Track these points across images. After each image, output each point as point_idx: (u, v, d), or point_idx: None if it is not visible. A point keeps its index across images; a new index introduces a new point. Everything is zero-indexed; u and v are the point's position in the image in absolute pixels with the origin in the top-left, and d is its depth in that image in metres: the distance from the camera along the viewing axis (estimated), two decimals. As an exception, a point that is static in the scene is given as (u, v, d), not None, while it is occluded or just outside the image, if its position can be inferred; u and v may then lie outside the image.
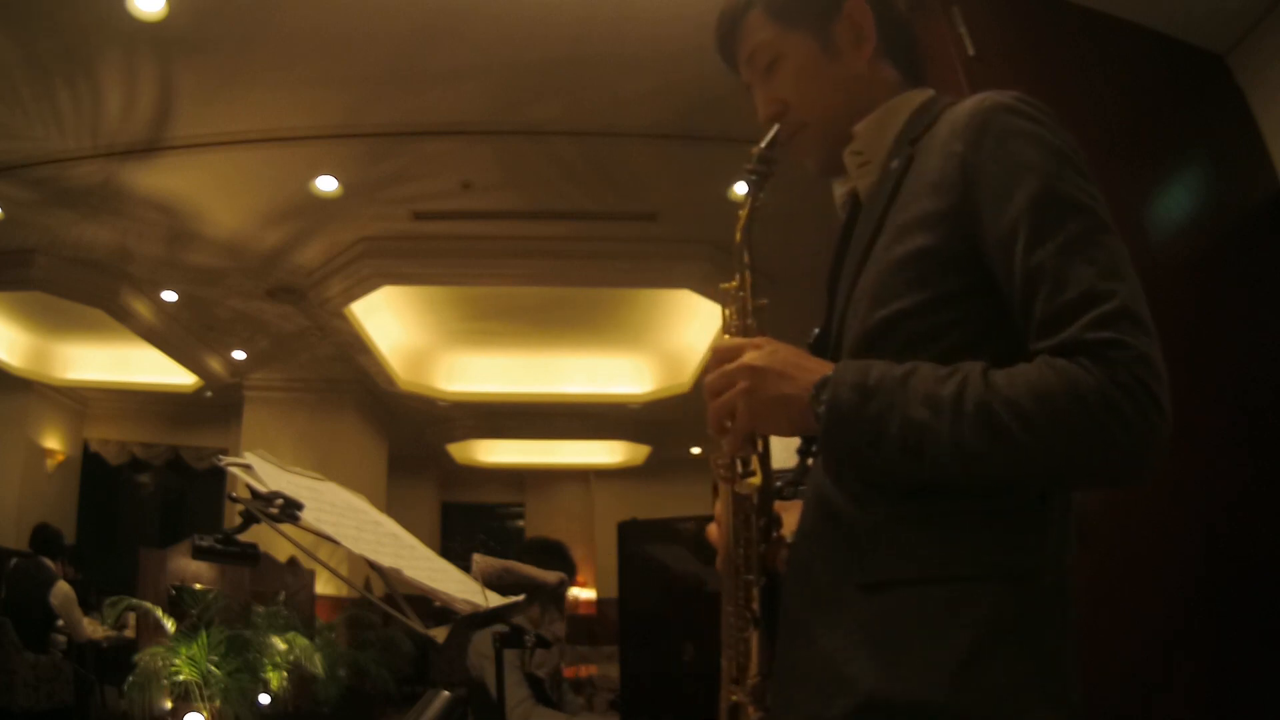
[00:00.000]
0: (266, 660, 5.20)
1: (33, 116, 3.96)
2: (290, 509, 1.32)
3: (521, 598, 1.81)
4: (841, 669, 0.84)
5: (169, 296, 6.23)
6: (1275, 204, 2.28)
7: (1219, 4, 2.29)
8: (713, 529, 1.01)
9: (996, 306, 0.87)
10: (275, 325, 6.71)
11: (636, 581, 4.79)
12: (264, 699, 5.12)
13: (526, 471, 11.46)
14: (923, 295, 0.89)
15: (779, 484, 1.02)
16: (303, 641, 5.51)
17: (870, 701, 0.82)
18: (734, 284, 1.01)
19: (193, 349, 7.14)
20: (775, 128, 1.04)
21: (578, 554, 4.26)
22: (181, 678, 4.61)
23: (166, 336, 6.74)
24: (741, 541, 0.95)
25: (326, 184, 4.60)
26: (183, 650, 4.68)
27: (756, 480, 0.96)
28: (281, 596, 6.07)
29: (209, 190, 4.70)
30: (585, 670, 6.92)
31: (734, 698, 0.94)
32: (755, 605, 0.94)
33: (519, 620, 2.27)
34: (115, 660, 5.53)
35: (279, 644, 5.32)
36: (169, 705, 4.69)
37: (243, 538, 1.35)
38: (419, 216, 5.04)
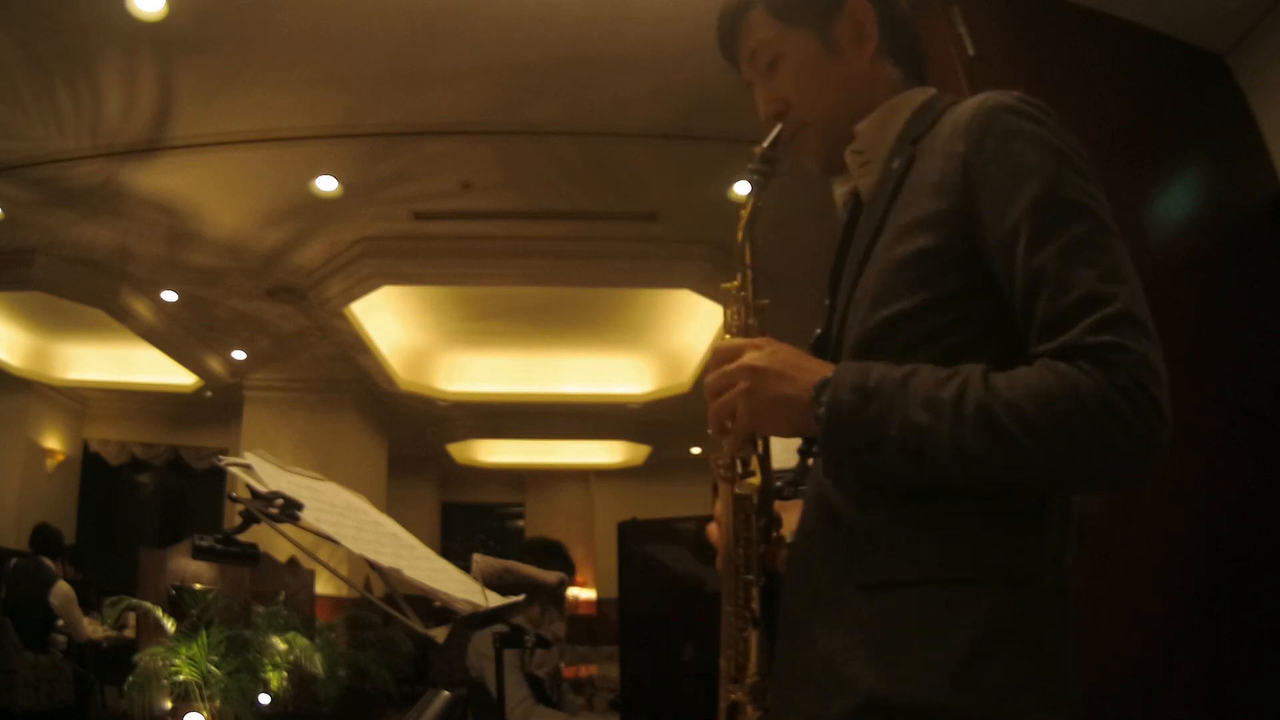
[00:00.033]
0: (266, 660, 5.20)
1: (33, 116, 3.96)
2: (290, 509, 1.32)
3: (521, 598, 1.81)
4: (841, 669, 0.84)
5: (169, 296, 6.24)
6: (1275, 204, 2.28)
7: (1219, 4, 2.29)
8: (713, 529, 1.01)
9: (998, 307, 0.87)
10: (275, 325, 6.71)
11: (636, 581, 4.79)
12: (264, 699, 5.12)
13: (526, 471, 11.46)
14: (924, 296, 0.88)
15: (779, 484, 1.02)
16: (303, 641, 5.51)
17: (870, 702, 0.82)
18: (735, 284, 1.01)
19: (193, 349, 7.14)
20: (778, 127, 1.03)
21: (578, 554, 4.26)
22: (181, 678, 4.61)
23: (166, 336, 6.74)
24: (741, 541, 0.95)
25: (326, 184, 4.60)
26: (183, 650, 4.68)
27: (756, 480, 0.95)
28: (281, 596, 6.07)
29: (209, 190, 4.70)
30: (585, 670, 6.93)
31: (733, 697, 0.94)
32: (755, 605, 0.94)
33: (519, 620, 2.27)
34: (115, 660, 5.53)
35: (279, 644, 5.32)
36: (169, 705, 4.69)
37: (243, 538, 1.35)
38: (419, 216, 5.04)
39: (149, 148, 4.22)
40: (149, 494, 9.71)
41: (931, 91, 1.04)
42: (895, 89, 1.04)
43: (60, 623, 5.03)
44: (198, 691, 4.64)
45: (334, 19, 3.32)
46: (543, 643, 2.02)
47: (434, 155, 4.36)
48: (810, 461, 1.01)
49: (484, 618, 1.60)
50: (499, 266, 5.54)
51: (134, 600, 5.59)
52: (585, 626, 9.39)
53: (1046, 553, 0.86)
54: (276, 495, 1.32)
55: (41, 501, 7.63)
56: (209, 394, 8.17)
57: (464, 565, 1.87)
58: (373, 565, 1.42)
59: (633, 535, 4.94)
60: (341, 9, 3.27)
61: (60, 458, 8.19)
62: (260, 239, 5.26)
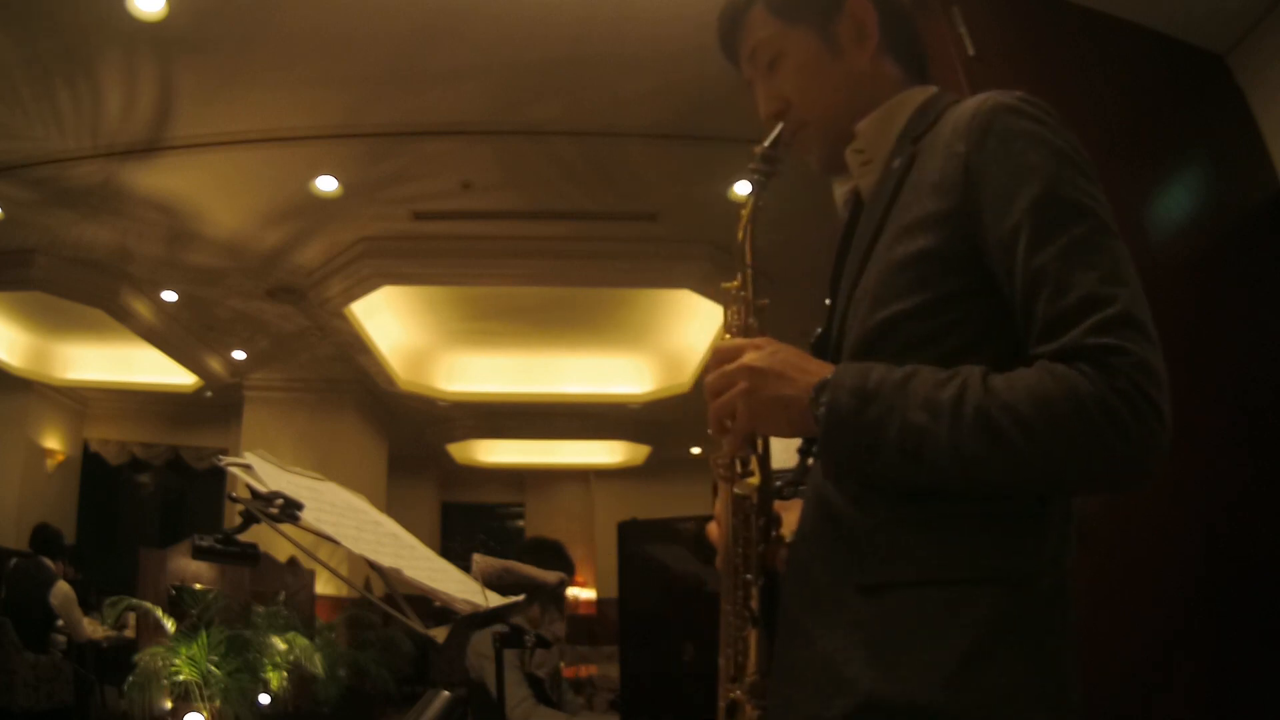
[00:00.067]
0: (266, 660, 5.20)
1: (33, 116, 3.97)
2: (290, 509, 1.32)
3: (521, 598, 1.81)
4: (840, 670, 0.84)
5: (169, 296, 6.24)
6: (1275, 204, 2.28)
7: (1219, 4, 2.29)
8: (712, 528, 1.01)
9: (998, 308, 0.87)
10: (275, 325, 6.71)
11: (636, 581, 4.78)
12: (264, 699, 5.12)
13: (526, 471, 11.46)
14: (924, 296, 0.88)
15: (779, 484, 1.02)
16: (303, 641, 5.51)
17: (869, 702, 0.82)
18: (735, 283, 1.01)
19: (193, 349, 7.15)
20: (778, 126, 1.03)
21: (578, 554, 4.26)
22: (181, 678, 4.61)
23: (166, 336, 6.74)
24: (741, 541, 0.95)
25: (326, 184, 4.60)
26: (183, 650, 4.68)
27: (756, 480, 0.95)
28: (281, 596, 6.07)
29: (209, 190, 4.70)
30: (585, 670, 6.92)
31: (732, 695, 0.94)
32: (754, 604, 0.94)
33: (519, 620, 2.27)
34: (115, 660, 5.53)
35: (279, 644, 5.32)
36: (169, 705, 4.69)
37: (243, 538, 1.35)
38: (419, 216, 5.04)
39: (149, 148, 4.22)
40: (149, 494, 9.71)
41: (933, 90, 1.04)
42: (896, 87, 1.04)
43: (60, 623, 5.03)
44: (198, 691, 4.64)
45: (334, 19, 3.32)
46: (543, 643, 2.02)
47: (434, 155, 4.36)
48: (810, 461, 1.01)
49: (484, 618, 1.60)
50: (499, 266, 5.54)
51: (134, 600, 5.59)
52: (585, 626, 9.39)
53: (1045, 554, 0.86)
54: (276, 495, 1.32)
55: (41, 501, 7.63)
56: (209, 394, 8.17)
57: (464, 565, 1.87)
58: (373, 565, 1.42)
59: (633, 535, 4.93)
60: (341, 9, 3.27)
61: (60, 458, 8.19)
62: (260, 239, 5.26)
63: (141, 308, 6.24)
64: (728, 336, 1.00)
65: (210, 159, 4.33)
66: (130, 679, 4.61)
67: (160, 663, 4.62)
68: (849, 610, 0.86)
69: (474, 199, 4.81)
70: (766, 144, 1.02)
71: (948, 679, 0.80)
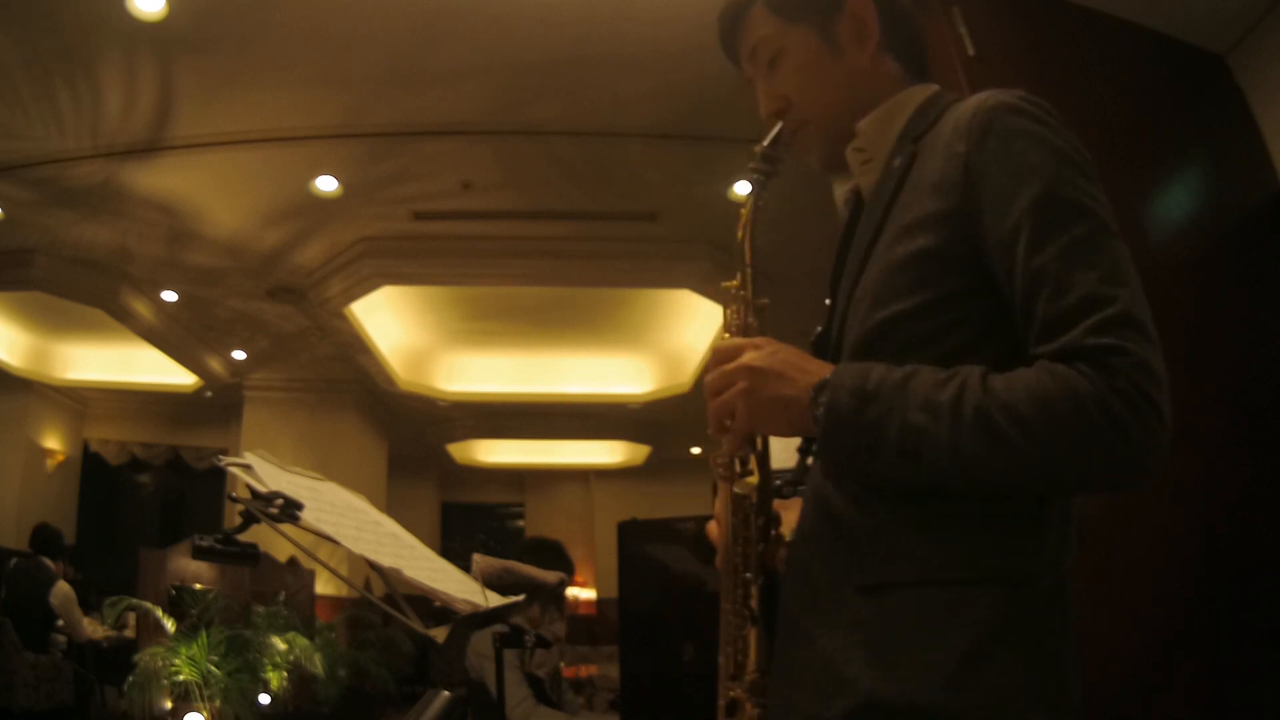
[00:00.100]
0: (266, 660, 5.20)
1: (33, 116, 3.97)
2: (290, 509, 1.32)
3: (521, 598, 1.81)
4: (840, 670, 0.84)
5: (169, 296, 6.24)
6: (1275, 204, 2.28)
7: (1219, 4, 2.29)
8: (712, 527, 1.01)
9: (998, 308, 0.87)
10: (275, 325, 6.71)
11: (636, 581, 4.78)
12: (264, 699, 5.12)
13: (526, 471, 11.46)
14: (924, 296, 0.88)
15: (778, 483, 1.02)
16: (303, 641, 5.51)
17: (869, 702, 0.82)
18: (735, 283, 1.01)
19: (193, 349, 7.15)
20: (778, 125, 1.03)
21: (578, 554, 4.26)
22: (181, 678, 4.61)
23: (166, 336, 6.74)
24: (740, 540, 0.95)
25: (326, 184, 4.60)
26: (183, 650, 4.68)
27: (755, 479, 0.96)
28: (281, 596, 6.07)
29: (209, 190, 4.70)
30: (585, 670, 6.92)
31: (732, 694, 0.94)
32: (754, 603, 0.94)
33: (519, 620, 2.27)
34: (115, 660, 5.53)
35: (279, 644, 5.32)
36: (169, 705, 4.69)
37: (243, 538, 1.35)
38: (419, 216, 5.04)
39: (149, 148, 4.22)
40: (149, 494, 9.71)
41: (934, 88, 1.03)
42: (897, 85, 1.03)
43: (60, 623, 5.03)
44: (198, 691, 4.64)
45: (334, 19, 3.32)
46: (543, 643, 2.02)
47: (434, 155, 4.36)
48: (809, 461, 1.01)
49: (484, 618, 1.60)
50: (499, 266, 5.54)
51: (134, 600, 5.59)
52: (585, 626, 9.38)
53: (1045, 554, 0.86)
54: (276, 495, 1.32)
55: (41, 501, 7.63)
56: (209, 394, 8.17)
57: (464, 565, 1.87)
58: (373, 565, 1.42)
59: (633, 535, 4.93)
60: (341, 9, 3.28)
61: (60, 458, 8.19)
62: (260, 239, 5.26)
63: (141, 308, 6.24)
64: (727, 336, 1.00)
65: (210, 159, 4.33)
66: (130, 679, 4.61)
67: (160, 663, 4.62)
68: (849, 610, 0.86)
69: (474, 199, 4.81)
70: (766, 143, 1.01)
71: (947, 679, 0.80)
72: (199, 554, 1.33)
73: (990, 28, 2.08)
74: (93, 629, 5.46)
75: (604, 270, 5.64)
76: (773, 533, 0.97)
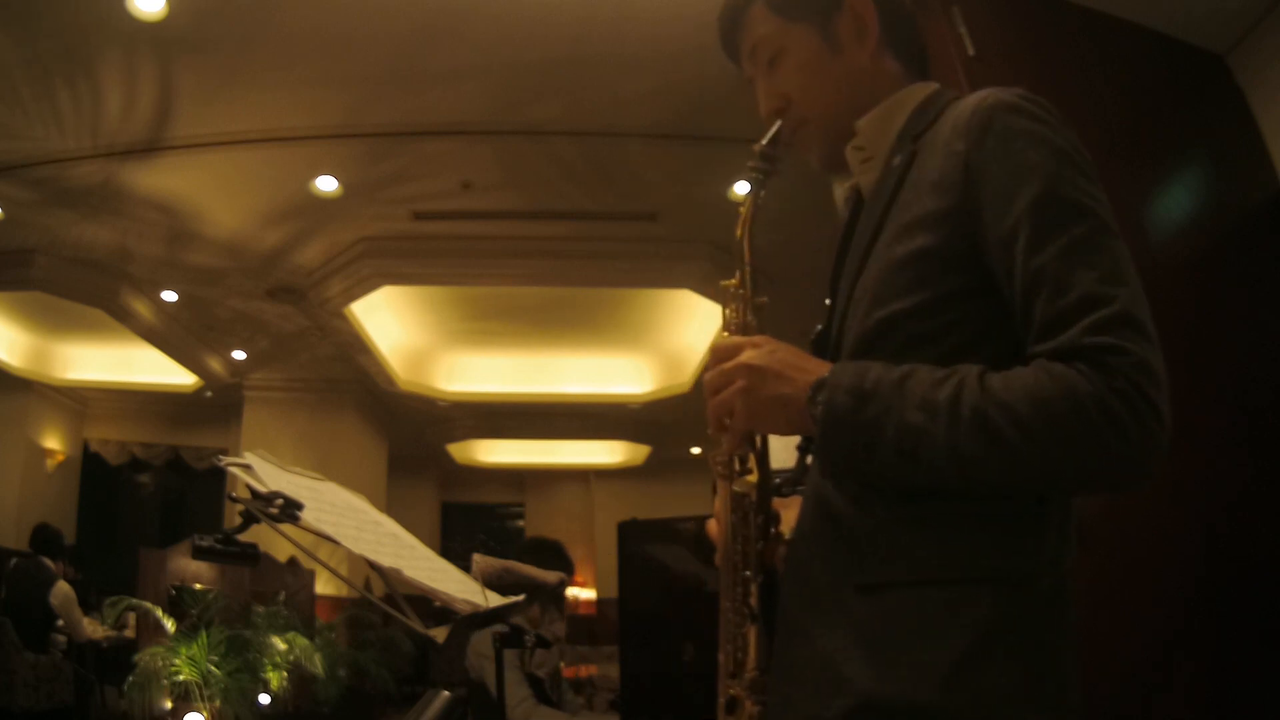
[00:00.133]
0: (266, 660, 5.20)
1: (33, 116, 3.97)
2: (290, 509, 1.32)
3: (521, 598, 1.81)
4: (840, 669, 0.84)
5: (169, 296, 6.24)
6: (1275, 204, 2.28)
7: (1219, 4, 2.29)
8: (712, 525, 1.01)
9: (997, 307, 0.87)
10: (275, 325, 6.71)
11: (636, 581, 4.78)
12: (264, 699, 5.12)
13: (526, 471, 11.46)
14: (923, 295, 0.88)
15: (778, 481, 1.02)
16: (303, 641, 5.51)
17: (868, 702, 0.82)
18: (734, 281, 1.01)
19: (193, 349, 7.15)
20: (777, 124, 1.03)
21: (578, 554, 4.26)
22: (181, 678, 4.61)
23: (166, 336, 6.74)
24: (739, 538, 0.95)
25: (326, 184, 4.60)
26: (183, 650, 4.68)
27: (754, 478, 0.96)
28: (281, 596, 6.07)
29: (209, 190, 4.70)
30: (585, 670, 6.92)
31: (731, 691, 0.94)
32: (753, 601, 0.94)
33: (519, 620, 2.27)
34: (115, 660, 5.53)
35: (279, 644, 5.32)
36: (169, 705, 4.69)
37: (243, 538, 1.35)
38: (419, 216, 5.04)
39: (149, 148, 4.22)
40: (149, 494, 9.71)
41: (934, 87, 1.03)
42: (897, 84, 1.03)
43: (60, 623, 5.03)
44: (198, 691, 4.64)
45: (334, 19, 3.32)
46: (543, 643, 2.02)
47: (434, 155, 4.36)
48: (809, 460, 1.01)
49: (484, 618, 1.60)
50: (499, 266, 5.54)
51: (134, 600, 5.59)
52: (585, 626, 9.39)
53: (1045, 554, 0.85)
54: (276, 495, 1.32)
55: (41, 501, 7.63)
56: (209, 394, 8.17)
57: (464, 565, 1.87)
58: (373, 565, 1.42)
59: (633, 535, 4.93)
60: (341, 9, 3.28)
61: (60, 458, 8.19)
62: (260, 239, 5.26)
63: (141, 308, 6.24)
64: (726, 334, 0.99)
65: (210, 159, 4.33)
66: (130, 679, 4.61)
67: (160, 663, 4.62)
68: (848, 610, 0.86)
69: (474, 199, 4.81)
70: (765, 141, 1.01)
71: (946, 679, 0.80)
72: (199, 554, 1.33)
73: (990, 28, 2.08)
74: (93, 629, 5.46)
75: (604, 270, 5.64)
76: (772, 531, 0.97)
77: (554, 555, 2.99)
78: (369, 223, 5.14)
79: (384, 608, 1.50)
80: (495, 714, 2.11)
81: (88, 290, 5.89)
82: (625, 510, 6.11)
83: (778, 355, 0.90)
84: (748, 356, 0.90)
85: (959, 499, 0.84)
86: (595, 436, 9.48)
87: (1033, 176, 0.84)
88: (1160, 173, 2.20)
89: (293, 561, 6.48)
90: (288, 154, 4.29)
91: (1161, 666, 1.78)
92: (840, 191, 1.11)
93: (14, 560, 5.36)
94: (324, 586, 7.07)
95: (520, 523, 11.98)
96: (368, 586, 5.19)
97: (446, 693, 1.42)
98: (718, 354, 0.93)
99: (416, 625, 1.41)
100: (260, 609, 5.65)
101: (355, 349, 6.77)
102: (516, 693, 2.61)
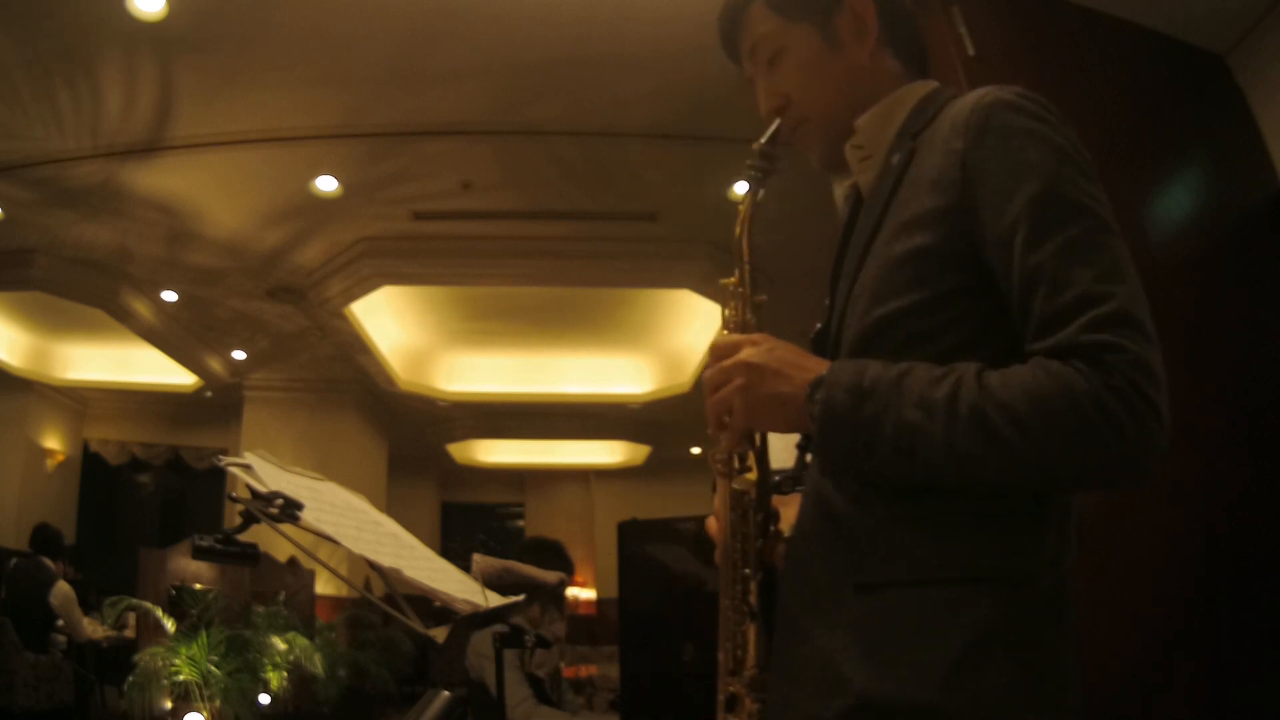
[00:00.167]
0: (266, 660, 5.20)
1: (33, 116, 3.97)
2: (290, 509, 1.32)
3: (521, 598, 1.81)
4: (839, 668, 0.84)
5: (169, 296, 6.24)
6: (1275, 204, 2.28)
7: (1219, 4, 2.29)
8: (711, 523, 1.01)
9: (996, 305, 0.87)
10: (275, 325, 6.71)
11: (636, 581, 4.79)
12: (264, 699, 5.12)
13: (526, 471, 11.46)
14: (922, 294, 0.88)
15: (777, 479, 1.02)
16: (303, 641, 5.51)
17: (866, 702, 0.82)
18: (733, 280, 1.01)
19: (193, 349, 7.15)
20: (776, 123, 1.03)
21: (578, 554, 4.26)
22: (181, 678, 4.61)
23: (166, 336, 6.74)
24: (739, 536, 0.96)
25: (326, 184, 4.60)
26: (183, 650, 4.68)
27: (753, 476, 0.96)
28: (281, 596, 6.07)
29: (209, 190, 4.70)
30: (585, 670, 6.92)
31: (731, 689, 0.94)
32: (752, 599, 0.94)
33: (519, 620, 2.27)
34: (115, 660, 5.53)
35: (279, 644, 5.32)
36: (169, 705, 4.69)
37: (243, 538, 1.35)
38: (419, 216, 5.04)
39: (149, 148, 4.22)
40: (149, 494, 9.71)
41: (933, 85, 1.03)
42: (897, 82, 1.04)
43: (60, 623, 5.03)
44: (198, 691, 4.64)
45: (334, 19, 3.32)
46: (543, 643, 2.02)
47: (434, 155, 4.36)
48: (808, 458, 1.01)
49: (484, 618, 1.59)
50: (499, 266, 5.54)
51: (134, 600, 5.59)
52: (585, 626, 9.39)
53: (1045, 554, 0.85)
54: (276, 495, 1.32)
55: (41, 501, 7.63)
56: (209, 394, 8.17)
57: (464, 565, 1.86)
58: (373, 565, 1.42)
59: (633, 535, 4.93)
60: (341, 9, 3.28)
61: (60, 458, 8.19)
62: (260, 239, 5.26)
63: (141, 308, 6.24)
64: (725, 333, 1.00)
65: (210, 159, 4.33)
66: (130, 679, 4.61)
67: (160, 663, 4.62)
68: (848, 609, 0.86)
69: (474, 199, 4.81)
70: (764, 140, 1.02)
71: (945, 679, 0.80)
72: (199, 554, 1.33)
73: (990, 28, 2.08)
74: (93, 629, 5.46)
75: (604, 270, 5.64)
76: (771, 529, 0.97)
77: (554, 555, 2.99)
78: (369, 223, 5.14)
79: (384, 608, 1.50)
80: (495, 714, 2.11)
81: (88, 290, 5.89)
82: (625, 510, 6.11)
83: (776, 353, 0.90)
84: (746, 354, 0.90)
85: (958, 498, 0.84)
86: (595, 436, 9.48)
87: (1031, 174, 0.84)
88: (1160, 173, 2.20)
89: (293, 561, 6.48)
90: (288, 154, 4.29)
91: (1161, 666, 1.78)
92: (840, 190, 1.11)
93: (14, 560, 5.36)
94: (324, 586, 7.07)
95: (520, 523, 11.98)
96: (368, 586, 5.19)
97: (446, 693, 1.42)
98: (717, 352, 0.93)
99: (416, 625, 1.41)
100: (260, 609, 5.65)
101: (355, 349, 6.77)
102: (516, 693, 2.60)
